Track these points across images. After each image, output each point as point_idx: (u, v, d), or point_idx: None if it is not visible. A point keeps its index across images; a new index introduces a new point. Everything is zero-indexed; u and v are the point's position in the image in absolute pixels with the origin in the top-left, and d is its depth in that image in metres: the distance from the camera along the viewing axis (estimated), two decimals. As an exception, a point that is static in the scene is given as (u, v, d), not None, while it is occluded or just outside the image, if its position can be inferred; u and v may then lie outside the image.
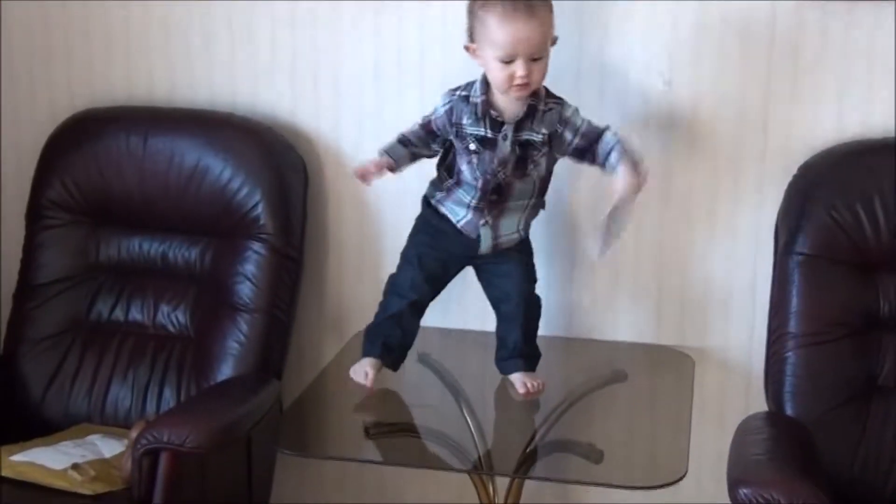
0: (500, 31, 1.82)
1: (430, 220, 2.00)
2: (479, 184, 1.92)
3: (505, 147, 1.90)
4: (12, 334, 2.27)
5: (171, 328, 2.25)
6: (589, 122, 1.94)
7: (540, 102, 1.91)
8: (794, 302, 2.01)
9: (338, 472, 2.43)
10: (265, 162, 2.22)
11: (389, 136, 2.25)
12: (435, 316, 2.25)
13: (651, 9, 2.13)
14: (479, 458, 1.86)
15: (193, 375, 2.19)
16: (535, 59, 1.84)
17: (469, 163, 1.92)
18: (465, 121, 1.90)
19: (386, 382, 2.06)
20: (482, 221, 1.95)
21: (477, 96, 1.90)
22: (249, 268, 2.19)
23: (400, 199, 2.29)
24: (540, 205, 2.02)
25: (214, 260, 2.24)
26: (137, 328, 2.26)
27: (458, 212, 1.96)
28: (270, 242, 2.19)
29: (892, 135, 2.08)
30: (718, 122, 2.16)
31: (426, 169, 2.05)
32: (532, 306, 2.02)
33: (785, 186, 2.09)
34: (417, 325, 2.00)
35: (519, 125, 1.90)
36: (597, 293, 2.28)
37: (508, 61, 1.83)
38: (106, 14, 2.36)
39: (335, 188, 2.34)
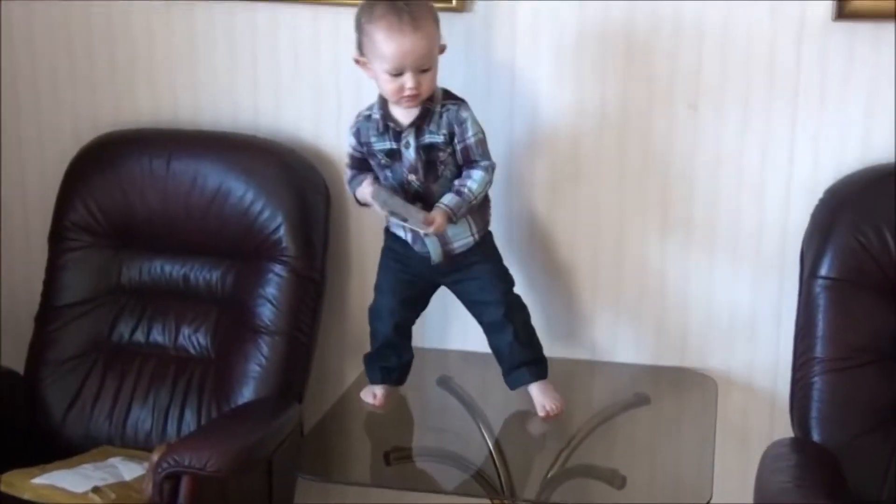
0: (386, 45, 1.84)
1: (392, 247, 2.02)
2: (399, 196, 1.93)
3: (409, 154, 1.91)
4: (34, 356, 2.27)
5: (192, 350, 2.25)
6: (478, 143, 1.91)
7: (436, 104, 1.92)
8: (821, 326, 1.99)
9: (359, 496, 2.42)
10: (287, 184, 2.22)
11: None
12: (455, 338, 2.25)
13: (676, 30, 2.12)
14: (501, 483, 1.84)
15: (214, 398, 2.19)
16: (423, 71, 1.86)
17: (385, 178, 1.94)
18: (372, 139, 1.94)
19: (406, 406, 2.05)
20: (422, 232, 1.93)
21: (376, 112, 1.93)
22: (271, 290, 2.18)
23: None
24: (483, 205, 1.99)
25: (236, 282, 2.24)
26: (159, 350, 2.26)
27: (402, 231, 1.97)
28: (292, 265, 2.19)
29: (919, 158, 2.06)
30: (744, 145, 2.14)
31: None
32: (514, 308, 1.99)
33: (811, 210, 2.07)
34: (409, 344, 2.05)
35: (419, 131, 1.91)
36: (620, 316, 2.26)
37: (397, 74, 1.85)
38: (130, 37, 2.37)
39: (357, 210, 2.32)
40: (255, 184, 2.21)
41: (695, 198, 2.18)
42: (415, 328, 2.21)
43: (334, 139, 2.32)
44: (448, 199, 1.90)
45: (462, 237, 1.97)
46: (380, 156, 1.94)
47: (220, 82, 2.35)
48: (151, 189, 2.26)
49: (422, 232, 1.90)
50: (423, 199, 1.92)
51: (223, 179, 2.23)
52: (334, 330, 2.37)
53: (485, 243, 2.01)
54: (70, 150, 2.35)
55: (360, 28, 1.90)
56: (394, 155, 1.93)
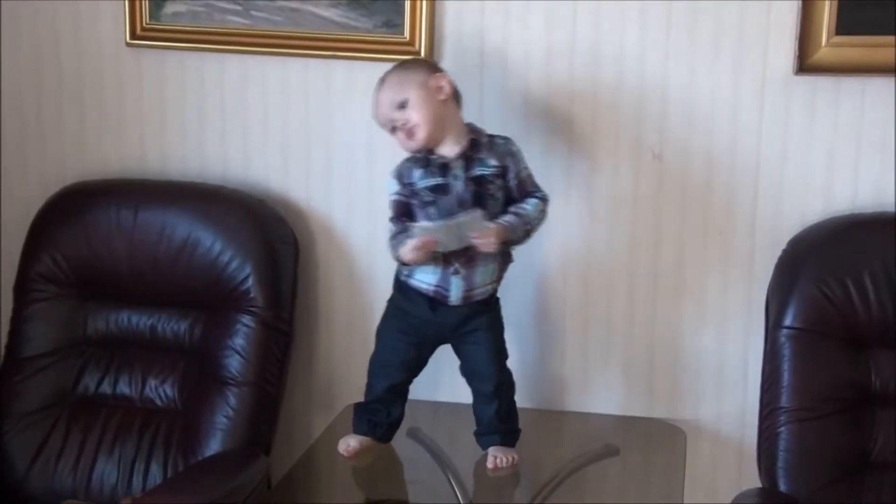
0: (372, 111, 2.00)
1: (399, 304, 2.01)
2: None
3: (458, 186, 1.92)
4: (-3, 408, 2.24)
5: (158, 402, 2.23)
6: (530, 176, 1.97)
7: (482, 136, 1.96)
8: (786, 376, 2.01)
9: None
10: (256, 235, 2.22)
11: (380, 207, 2.27)
12: (425, 389, 2.24)
13: (641, 81, 2.15)
14: (471, 535, 1.84)
15: (181, 451, 2.16)
16: (401, 107, 1.93)
17: (429, 217, 1.92)
18: (415, 178, 1.94)
19: (375, 458, 2.04)
20: (451, 270, 1.92)
21: (419, 151, 1.95)
22: (239, 341, 2.17)
23: (390, 270, 2.28)
24: (507, 253, 1.99)
25: (204, 333, 2.22)
26: (125, 402, 2.23)
27: (427, 272, 1.94)
28: (260, 315, 2.18)
29: (880, 209, 2.09)
30: (708, 195, 2.17)
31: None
32: (504, 385, 2.01)
33: (775, 260, 2.10)
34: (402, 403, 2.03)
35: (468, 162, 1.92)
36: (588, 367, 2.27)
37: (392, 128, 1.96)
38: (99, 87, 2.37)
39: (326, 260, 2.34)
40: (224, 234, 2.21)
41: (662, 248, 2.20)
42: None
43: (303, 190, 2.32)
44: (506, 217, 1.91)
45: (487, 282, 1.96)
46: (423, 193, 1.92)
47: (188, 132, 2.35)
48: (118, 240, 2.24)
49: (476, 242, 1.87)
50: None
51: (191, 230, 2.22)
52: (302, 381, 2.36)
53: (496, 305, 2.02)
54: (36, 201, 2.34)
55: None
56: (439, 189, 1.92)
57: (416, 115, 1.92)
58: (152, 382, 2.23)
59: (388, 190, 1.98)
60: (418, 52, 2.19)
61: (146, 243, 2.23)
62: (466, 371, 2.03)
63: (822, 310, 2.00)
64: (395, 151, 2.24)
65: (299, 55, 2.25)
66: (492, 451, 1.98)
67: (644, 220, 2.20)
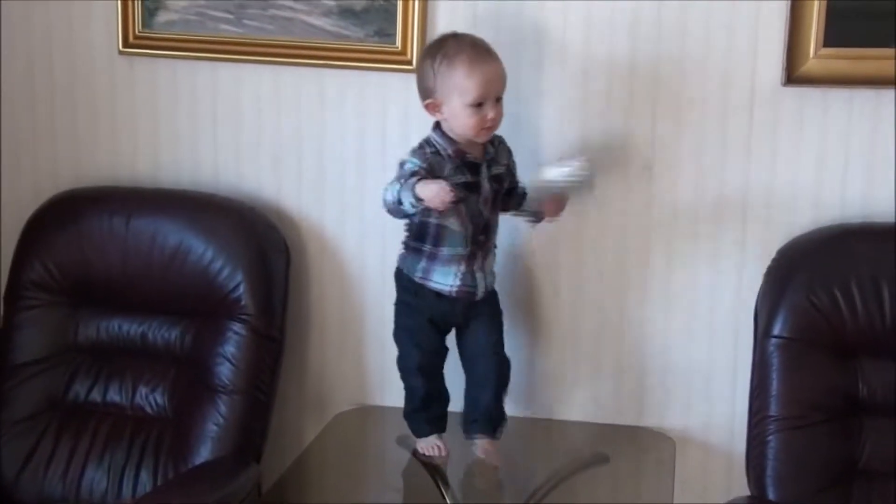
0: (470, 77, 1.90)
1: (411, 303, 2.03)
2: (469, 230, 1.96)
3: (486, 185, 1.97)
4: (-13, 415, 2.24)
5: (149, 410, 2.22)
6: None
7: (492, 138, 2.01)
8: (774, 385, 2.02)
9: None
10: (247, 242, 2.22)
11: (371, 215, 2.28)
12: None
13: (630, 93, 2.17)
14: (461, 543, 1.84)
15: (171, 458, 2.16)
16: (498, 100, 1.94)
17: (457, 214, 1.95)
18: (447, 174, 1.93)
19: (365, 465, 2.05)
20: (476, 266, 1.99)
21: (446, 148, 1.95)
22: (230, 349, 2.17)
23: (382, 278, 2.29)
24: (494, 244, 2.07)
25: (195, 341, 2.23)
26: (115, 410, 2.23)
27: (448, 274, 1.98)
28: (251, 323, 2.18)
29: (868, 219, 2.11)
30: (698, 205, 2.18)
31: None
32: (504, 366, 2.05)
33: (764, 270, 2.11)
34: (444, 387, 2.06)
35: (489, 162, 1.98)
36: (578, 375, 2.28)
37: (479, 104, 1.91)
38: (91, 95, 2.37)
39: (317, 268, 2.35)
40: (215, 242, 2.21)
41: (651, 256, 2.22)
42: (376, 386, 2.21)
43: (295, 198, 2.33)
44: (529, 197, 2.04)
45: (492, 270, 2.04)
46: (458, 189, 1.92)
47: (181, 140, 2.36)
48: (111, 247, 2.25)
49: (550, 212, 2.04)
50: (487, 230, 1.99)
51: (183, 237, 2.22)
52: (293, 388, 2.36)
53: (495, 293, 2.08)
54: (29, 208, 2.34)
55: (431, 71, 1.94)
56: (470, 187, 1.95)
57: (500, 116, 1.95)
58: (143, 390, 2.23)
59: (404, 164, 1.93)
60: (410, 62, 2.20)
61: (138, 251, 2.24)
62: (470, 352, 2.05)
63: (810, 319, 2.01)
64: (385, 160, 2.26)
65: (291, 64, 2.26)
66: (480, 442, 2.00)
67: (634, 229, 2.21)
